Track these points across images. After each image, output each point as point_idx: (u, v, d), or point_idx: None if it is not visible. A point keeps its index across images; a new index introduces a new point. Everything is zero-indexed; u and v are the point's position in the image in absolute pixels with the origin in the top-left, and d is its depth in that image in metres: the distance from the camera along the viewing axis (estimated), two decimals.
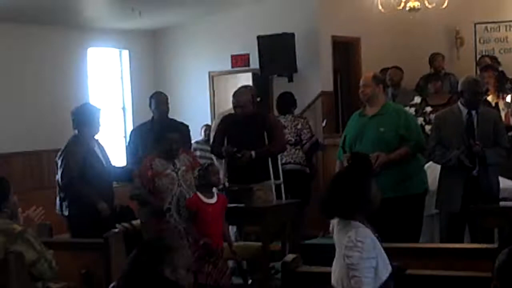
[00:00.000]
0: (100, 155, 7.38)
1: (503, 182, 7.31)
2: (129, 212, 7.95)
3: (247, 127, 7.87)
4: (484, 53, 12.08)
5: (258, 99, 8.34)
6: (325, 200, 4.05)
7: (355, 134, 7.13)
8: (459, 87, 7.11)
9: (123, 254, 5.69)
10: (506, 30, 12.52)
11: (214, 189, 6.93)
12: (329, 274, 4.06)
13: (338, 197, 4.00)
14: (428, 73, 11.61)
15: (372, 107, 7.09)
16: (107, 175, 7.39)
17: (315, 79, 11.80)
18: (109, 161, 7.53)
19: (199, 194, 6.75)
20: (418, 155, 7.17)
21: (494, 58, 11.36)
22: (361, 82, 7.17)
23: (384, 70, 11.62)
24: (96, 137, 7.47)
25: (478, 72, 10.61)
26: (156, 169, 7.03)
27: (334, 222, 4.11)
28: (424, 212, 7.33)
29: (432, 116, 8.96)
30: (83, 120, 7.32)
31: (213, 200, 6.75)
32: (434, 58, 11.70)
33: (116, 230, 6.39)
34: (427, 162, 7.46)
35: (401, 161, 6.92)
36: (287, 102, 9.86)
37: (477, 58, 12.04)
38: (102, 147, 7.57)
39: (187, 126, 8.13)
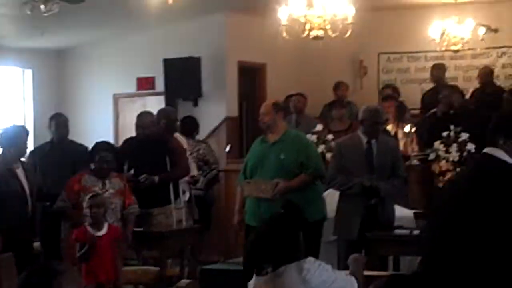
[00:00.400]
0: (23, 178, 7.24)
1: (399, 211, 7.44)
2: None
3: (148, 150, 7.83)
4: (386, 83, 12.30)
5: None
6: (257, 248, 3.94)
7: (256, 161, 7.17)
8: (360, 116, 7.23)
9: (14, 277, 5.57)
10: (408, 61, 12.78)
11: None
12: None
13: (275, 244, 3.91)
14: (332, 100, 11.78)
15: (273, 134, 7.14)
16: (24, 198, 7.22)
17: (220, 104, 11.82)
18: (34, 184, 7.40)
19: (87, 225, 6.64)
20: (317, 182, 7.24)
21: (395, 89, 11.58)
22: (261, 110, 7.23)
23: (288, 97, 11.73)
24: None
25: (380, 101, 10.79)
26: (84, 184, 7.06)
27: (252, 282, 3.98)
28: (322, 239, 7.40)
29: (333, 144, 9.07)
30: (8, 141, 7.21)
31: (102, 232, 6.63)
32: (338, 87, 11.87)
33: (7, 254, 6.23)
34: (326, 189, 7.54)
35: (300, 188, 6.98)
36: (189, 126, 9.84)
37: (380, 88, 12.24)
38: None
39: (86, 148, 8.04)
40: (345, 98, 11.74)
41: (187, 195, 8.32)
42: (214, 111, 11.67)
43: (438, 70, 11.64)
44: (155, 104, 11.57)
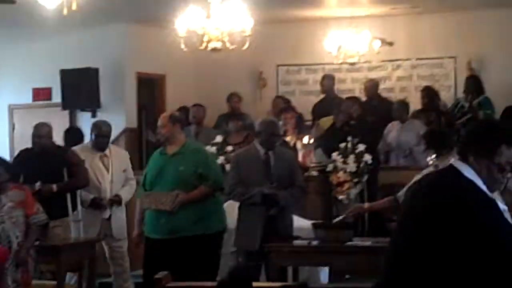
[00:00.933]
0: None
1: (298, 221, 7.51)
2: None
3: (45, 161, 7.72)
4: (282, 94, 12.40)
5: None
6: None
7: (155, 173, 7.14)
8: (257, 128, 7.30)
9: None
10: (306, 73, 12.94)
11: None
12: None
13: None
14: (227, 112, 11.85)
15: (172, 146, 7.12)
16: None
17: (119, 115, 11.72)
18: None
19: None
20: (217, 193, 7.25)
21: (287, 101, 11.69)
22: (158, 123, 7.20)
23: (183, 108, 11.70)
24: None
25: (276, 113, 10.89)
26: None
27: None
28: (223, 250, 7.42)
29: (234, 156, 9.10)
30: None
31: None
32: (230, 98, 11.97)
33: None
34: (226, 200, 7.55)
35: (200, 199, 6.98)
36: (74, 137, 9.70)
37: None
38: None
39: None
40: (237, 110, 11.82)
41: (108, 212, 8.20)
42: (113, 122, 11.46)
43: (329, 80, 11.85)
44: (52, 115, 11.40)
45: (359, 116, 10.40)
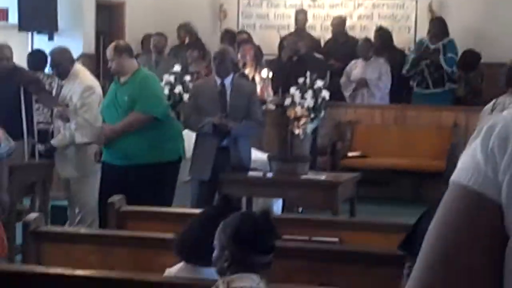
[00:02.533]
0: None
1: (255, 154, 7.54)
2: None
3: (4, 83, 7.65)
4: (245, 28, 12.34)
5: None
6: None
7: (108, 101, 7.13)
8: (213, 55, 7.37)
9: None
10: (267, 6, 12.86)
11: None
12: (71, 235, 4.01)
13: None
14: (179, 43, 11.82)
15: (124, 76, 7.06)
16: None
17: (77, 40, 11.56)
18: None
19: None
20: (176, 121, 7.23)
21: (248, 34, 11.65)
22: (107, 56, 7.12)
23: (147, 36, 11.63)
24: None
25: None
26: None
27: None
28: (180, 178, 7.45)
29: (191, 85, 9.07)
30: None
31: None
32: (182, 28, 11.89)
33: None
34: (183, 129, 7.55)
35: (129, 129, 6.87)
36: (38, 60, 9.58)
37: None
38: None
39: None
40: (184, 41, 11.77)
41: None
42: (70, 46, 11.30)
43: (302, 15, 11.84)
44: (8, 36, 11.22)
45: (307, 52, 10.40)
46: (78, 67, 7.95)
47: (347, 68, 10.82)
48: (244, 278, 3.02)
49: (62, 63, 7.70)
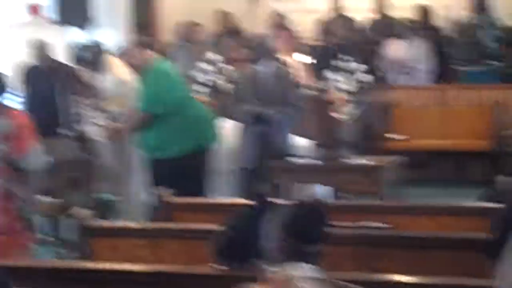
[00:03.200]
0: None
1: (297, 140, 7.52)
2: None
3: (48, 79, 7.78)
4: (277, 12, 12.25)
5: None
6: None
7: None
8: (251, 44, 7.30)
9: None
10: None
11: None
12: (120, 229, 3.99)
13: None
14: (221, 31, 11.79)
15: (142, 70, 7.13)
16: None
17: (113, 31, 11.60)
18: None
19: None
20: (195, 110, 7.18)
21: (284, 17, 11.58)
22: (128, 51, 7.15)
23: (181, 25, 11.61)
24: None
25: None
26: None
27: None
28: (226, 167, 7.46)
29: (229, 73, 9.05)
30: None
31: None
32: (222, 17, 11.86)
33: None
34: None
35: (137, 126, 7.00)
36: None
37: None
38: None
39: None
40: (230, 27, 11.74)
41: None
42: (108, 39, 11.45)
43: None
44: (43, 31, 11.31)
45: (350, 36, 10.31)
46: (112, 60, 7.94)
47: (386, 48, 10.72)
48: (297, 266, 3.01)
49: (98, 56, 7.72)
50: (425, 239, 4.20)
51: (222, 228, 3.68)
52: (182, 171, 6.86)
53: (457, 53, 10.77)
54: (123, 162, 7.69)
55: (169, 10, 12.50)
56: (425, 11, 11.31)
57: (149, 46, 7.18)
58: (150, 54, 7.09)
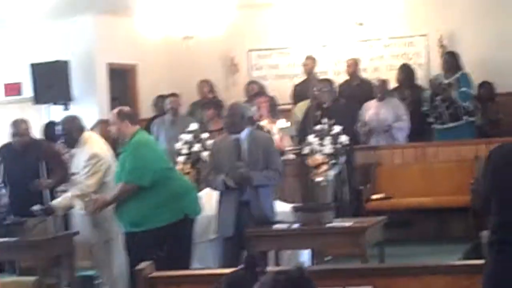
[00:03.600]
0: None
1: (278, 205, 7.49)
2: None
3: (23, 157, 7.72)
4: (254, 79, 12.35)
5: None
6: None
7: (118, 168, 7.26)
8: (225, 113, 7.32)
9: None
10: (278, 56, 12.90)
11: None
12: None
13: None
14: (198, 100, 11.87)
15: (123, 141, 7.17)
16: None
17: (92, 107, 11.65)
18: None
19: None
20: (179, 180, 7.21)
21: (261, 86, 11.67)
22: (109, 120, 7.20)
23: (160, 97, 11.68)
24: None
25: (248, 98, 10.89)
26: None
27: None
28: (203, 238, 7.42)
29: (209, 143, 9.08)
30: None
31: None
32: (200, 85, 11.98)
33: None
34: (205, 188, 7.56)
35: (122, 197, 6.99)
36: (53, 131, 9.64)
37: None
38: None
39: None
40: (208, 97, 11.83)
41: None
42: (86, 114, 11.45)
43: (311, 61, 11.87)
44: (23, 110, 11.35)
45: (334, 99, 10.35)
46: (88, 134, 7.97)
47: (362, 111, 10.81)
48: None
49: (71, 131, 7.74)
50: None
51: None
52: (165, 241, 6.86)
53: (432, 111, 10.87)
54: (103, 236, 7.65)
55: (147, 83, 12.57)
56: (409, 69, 11.48)
57: (130, 117, 7.22)
58: (131, 126, 7.14)
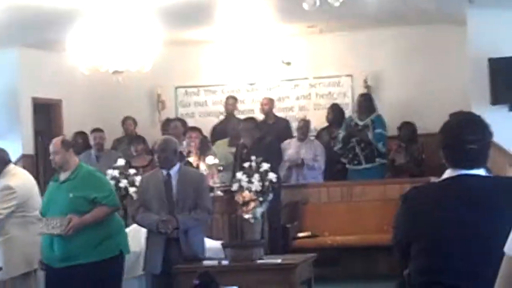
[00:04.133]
0: None
1: (208, 242, 7.45)
2: None
3: None
4: (184, 117, 12.35)
5: None
6: None
7: (47, 200, 7.03)
8: (155, 148, 7.31)
9: None
10: (205, 94, 12.92)
11: None
12: None
13: None
14: (122, 135, 11.80)
15: (65, 172, 6.97)
16: None
17: (15, 141, 11.43)
18: None
19: None
20: (116, 216, 7.13)
21: (183, 121, 11.64)
22: (51, 149, 7.05)
23: (80, 133, 11.52)
24: None
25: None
26: None
27: None
28: (131, 274, 7.32)
29: (136, 178, 9.01)
30: None
31: None
32: (124, 122, 11.93)
33: None
34: (132, 224, 7.46)
35: (95, 222, 6.82)
36: None
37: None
38: None
39: None
40: (132, 133, 11.79)
41: None
42: (9, 149, 11.21)
43: (233, 101, 11.95)
44: None
45: (259, 137, 10.38)
46: (11, 167, 7.83)
47: (284, 148, 10.88)
48: None
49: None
50: None
51: None
52: (104, 275, 6.73)
53: (348, 152, 10.97)
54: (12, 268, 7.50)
55: (71, 118, 12.44)
56: (334, 110, 11.62)
57: (73, 147, 7.14)
58: (74, 156, 7.05)
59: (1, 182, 7.58)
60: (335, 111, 11.63)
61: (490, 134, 3.53)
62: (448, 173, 3.51)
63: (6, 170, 7.68)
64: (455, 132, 3.50)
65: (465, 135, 3.46)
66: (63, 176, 6.96)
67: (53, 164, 7.02)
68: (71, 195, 6.83)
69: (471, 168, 3.45)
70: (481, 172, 3.45)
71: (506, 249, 1.40)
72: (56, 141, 7.07)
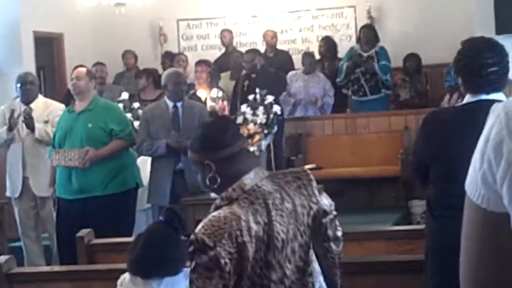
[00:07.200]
0: None
1: None
2: None
3: None
4: (187, 50, 12.29)
5: None
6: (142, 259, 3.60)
7: (64, 132, 6.99)
8: (163, 81, 7.30)
9: None
10: (207, 27, 12.82)
11: None
12: (44, 273, 3.88)
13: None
14: (123, 70, 11.77)
15: (81, 102, 6.99)
16: None
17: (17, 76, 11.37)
18: None
19: None
20: (130, 149, 7.16)
21: (186, 56, 11.57)
22: (74, 75, 7.06)
23: (80, 66, 11.46)
24: None
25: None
26: None
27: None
28: (137, 207, 7.37)
29: (140, 112, 8.99)
30: None
31: None
32: (124, 56, 11.88)
33: None
34: (138, 156, 7.48)
35: (112, 155, 6.84)
36: None
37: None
38: None
39: None
40: (133, 66, 11.74)
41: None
42: (12, 84, 11.22)
43: (228, 34, 11.86)
44: None
45: (262, 68, 10.34)
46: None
47: (289, 81, 10.81)
48: None
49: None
50: (356, 264, 4.19)
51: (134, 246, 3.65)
52: (120, 208, 6.78)
53: (350, 83, 10.89)
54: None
55: (73, 52, 12.35)
56: (330, 42, 11.48)
57: (96, 79, 7.20)
58: (93, 88, 7.10)
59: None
60: (328, 44, 11.43)
61: (507, 55, 3.51)
62: (467, 98, 3.50)
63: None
64: (475, 57, 3.47)
65: (484, 58, 3.43)
66: (79, 107, 6.98)
67: (75, 89, 7.01)
68: (90, 125, 6.86)
69: (491, 92, 3.43)
70: (501, 96, 3.42)
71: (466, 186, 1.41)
72: (81, 69, 7.17)
